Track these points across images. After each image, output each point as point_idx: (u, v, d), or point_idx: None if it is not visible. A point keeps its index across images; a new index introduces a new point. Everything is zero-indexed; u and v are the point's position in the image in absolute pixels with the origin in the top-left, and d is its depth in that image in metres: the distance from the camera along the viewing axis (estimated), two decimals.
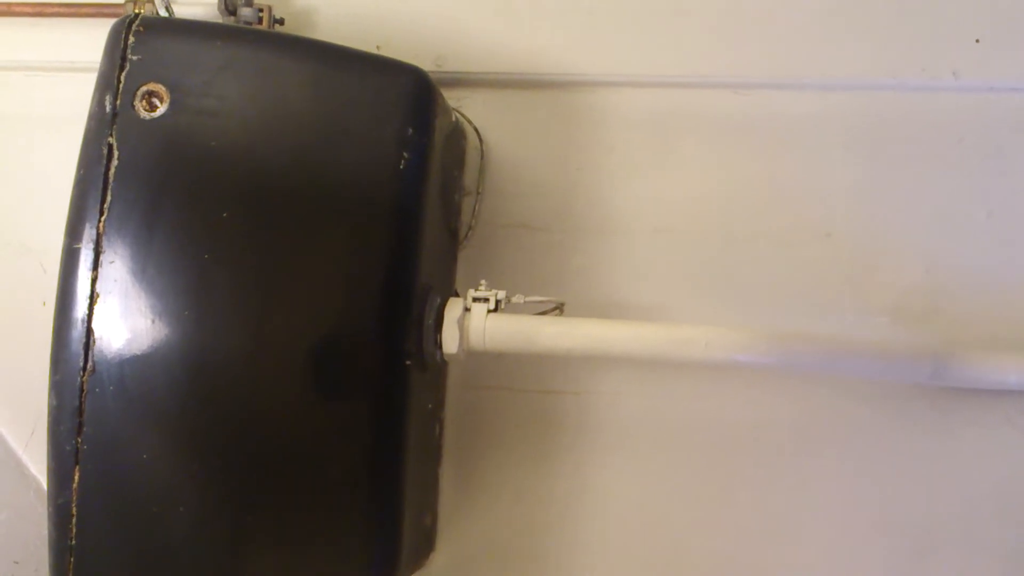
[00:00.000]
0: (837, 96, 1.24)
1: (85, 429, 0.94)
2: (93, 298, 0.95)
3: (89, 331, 0.95)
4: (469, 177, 1.28)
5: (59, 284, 0.96)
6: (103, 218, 0.95)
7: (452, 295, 1.12)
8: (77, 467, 0.95)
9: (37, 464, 1.30)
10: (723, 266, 1.24)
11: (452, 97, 1.26)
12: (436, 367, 1.11)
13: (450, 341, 1.06)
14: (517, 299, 1.10)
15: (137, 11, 1.23)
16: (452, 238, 1.24)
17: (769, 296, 1.23)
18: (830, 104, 1.24)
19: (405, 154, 1.02)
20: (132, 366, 0.94)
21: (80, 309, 0.95)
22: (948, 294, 1.20)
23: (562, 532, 1.25)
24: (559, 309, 1.14)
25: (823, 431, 1.22)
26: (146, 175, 0.96)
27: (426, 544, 1.21)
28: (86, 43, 1.23)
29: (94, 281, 0.95)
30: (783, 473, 1.22)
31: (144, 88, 0.98)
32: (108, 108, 0.97)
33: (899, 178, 1.23)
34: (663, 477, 1.25)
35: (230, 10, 1.22)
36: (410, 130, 1.02)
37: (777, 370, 1.21)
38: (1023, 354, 1.11)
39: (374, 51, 1.26)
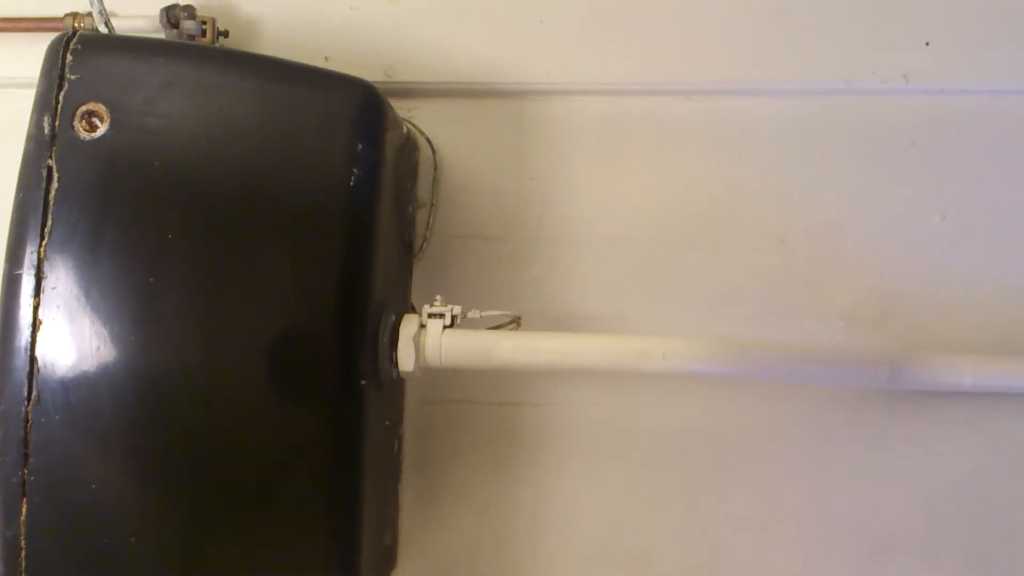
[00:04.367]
0: (789, 101, 1.24)
1: (31, 460, 0.92)
2: (36, 325, 0.92)
3: (33, 359, 0.92)
4: (422, 188, 1.27)
5: (0, 312, 0.94)
6: (44, 243, 0.92)
7: (408, 310, 1.11)
8: (24, 499, 0.92)
9: None
10: (679, 273, 1.24)
11: (403, 107, 1.25)
12: (393, 384, 1.09)
13: (406, 359, 1.04)
14: (473, 314, 1.09)
15: (77, 25, 1.20)
16: (406, 251, 1.23)
17: (726, 302, 1.23)
18: (782, 109, 1.24)
19: (355, 171, 1.00)
20: (78, 394, 0.92)
21: (23, 337, 0.92)
22: (903, 297, 1.21)
23: (527, 545, 1.25)
24: (516, 323, 1.12)
25: (783, 437, 1.22)
26: (88, 198, 0.94)
27: (387, 563, 1.19)
28: (26, 58, 1.20)
29: (36, 308, 0.92)
30: (744, 479, 1.23)
31: (84, 108, 0.95)
32: (46, 130, 0.94)
33: (852, 182, 1.23)
34: (626, 486, 1.25)
35: (172, 23, 1.19)
36: (360, 146, 1.01)
37: (735, 378, 1.21)
38: (978, 356, 1.12)
39: (322, 62, 1.24)
